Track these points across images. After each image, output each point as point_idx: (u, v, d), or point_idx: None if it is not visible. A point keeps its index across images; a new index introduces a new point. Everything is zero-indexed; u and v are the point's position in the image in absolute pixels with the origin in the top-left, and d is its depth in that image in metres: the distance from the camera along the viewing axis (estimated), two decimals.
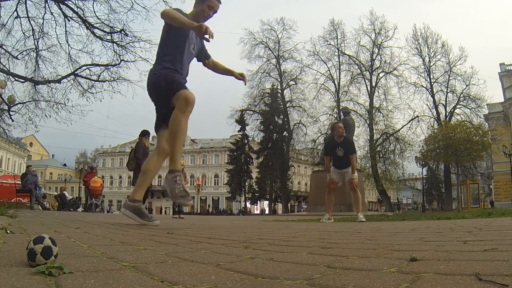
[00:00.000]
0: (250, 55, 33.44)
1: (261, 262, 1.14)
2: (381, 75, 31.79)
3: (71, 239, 1.78)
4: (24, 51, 13.19)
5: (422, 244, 1.66)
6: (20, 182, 12.74)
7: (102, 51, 25.92)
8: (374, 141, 30.73)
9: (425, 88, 31.29)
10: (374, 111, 31.12)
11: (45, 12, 12.68)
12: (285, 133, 35.33)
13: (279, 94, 35.13)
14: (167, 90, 2.91)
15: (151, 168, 3.19)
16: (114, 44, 13.20)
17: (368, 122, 30.93)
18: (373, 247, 1.56)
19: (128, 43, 13.14)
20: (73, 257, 1.15)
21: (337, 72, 32.57)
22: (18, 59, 13.19)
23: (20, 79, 13.15)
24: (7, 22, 12.61)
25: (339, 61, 32.55)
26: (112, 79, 13.50)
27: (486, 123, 30.53)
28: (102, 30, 13.14)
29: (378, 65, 31.70)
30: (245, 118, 36.50)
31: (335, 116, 30.27)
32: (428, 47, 31.48)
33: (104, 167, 56.55)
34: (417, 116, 30.60)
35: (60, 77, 13.54)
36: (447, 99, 31.05)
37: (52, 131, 32.81)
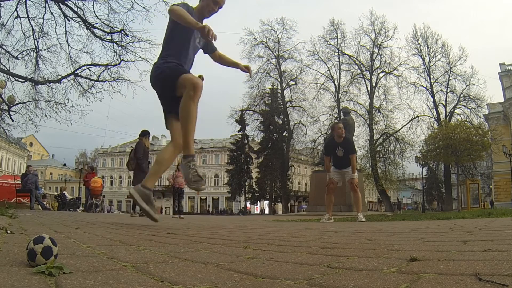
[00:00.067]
0: (250, 55, 33.48)
1: (261, 262, 1.14)
2: (381, 75, 31.84)
3: (71, 239, 1.78)
4: (24, 51, 13.20)
5: (422, 244, 1.66)
6: (20, 182, 12.74)
7: (102, 51, 25.94)
8: (374, 141, 30.74)
9: (425, 88, 31.33)
10: (374, 111, 31.13)
11: (45, 12, 12.70)
12: (285, 133, 35.34)
13: (279, 94, 35.14)
14: (170, 77, 2.91)
15: (166, 159, 3.19)
16: (114, 44, 13.20)
17: (368, 122, 30.94)
18: (373, 247, 1.56)
19: (128, 43, 13.15)
20: (73, 257, 1.15)
21: (337, 72, 32.63)
22: (18, 59, 13.21)
23: (20, 79, 13.15)
24: (7, 22, 12.62)
25: (339, 61, 32.58)
26: (112, 79, 13.50)
27: (486, 123, 30.53)
28: (102, 30, 13.15)
29: (378, 65, 31.73)
30: (245, 118, 36.52)
31: (335, 116, 30.28)
32: (428, 47, 31.53)
33: (104, 167, 56.56)
34: (417, 116, 30.64)
35: (60, 77, 13.54)
36: (447, 99, 31.09)
37: (52, 131, 32.85)
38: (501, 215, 5.66)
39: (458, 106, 30.62)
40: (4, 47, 13.02)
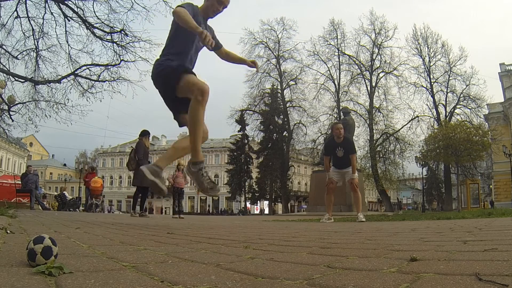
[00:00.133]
0: (250, 55, 33.36)
1: (261, 262, 1.14)
2: (381, 75, 31.82)
3: (71, 239, 1.78)
4: (24, 51, 13.20)
5: (422, 244, 1.66)
6: (20, 182, 12.75)
7: (102, 51, 25.90)
8: (374, 141, 30.73)
9: (425, 88, 31.32)
10: (374, 111, 31.12)
11: (45, 12, 12.70)
12: (285, 133, 35.33)
13: (279, 94, 35.13)
14: (172, 76, 2.90)
15: (184, 147, 3.14)
16: (114, 44, 13.20)
17: (368, 122, 30.93)
18: (373, 247, 1.56)
19: (128, 43, 13.15)
20: (73, 257, 1.15)
21: (337, 72, 32.61)
22: (18, 59, 13.20)
23: (20, 79, 13.15)
24: (7, 22, 12.62)
25: (339, 61, 32.56)
26: (112, 79, 13.50)
27: (486, 123, 30.53)
28: (102, 30, 13.15)
29: (378, 65, 31.71)
30: (245, 118, 36.51)
31: (335, 116, 30.27)
32: (428, 47, 31.51)
33: (104, 167, 56.55)
34: (417, 116, 30.62)
35: (60, 77, 13.53)
36: (447, 99, 31.08)
37: (52, 131, 32.81)
38: (501, 215, 5.66)
39: (458, 106, 30.63)
40: (4, 47, 13.03)
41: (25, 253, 0.94)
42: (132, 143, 41.33)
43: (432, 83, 31.28)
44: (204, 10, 3.14)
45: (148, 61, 12.60)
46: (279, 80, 34.72)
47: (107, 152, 58.07)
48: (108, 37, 13.19)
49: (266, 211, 39.66)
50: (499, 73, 34.25)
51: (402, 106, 30.79)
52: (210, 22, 3.30)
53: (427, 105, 31.21)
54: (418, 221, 4.59)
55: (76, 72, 13.49)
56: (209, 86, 2.87)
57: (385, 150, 30.93)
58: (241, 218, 9.96)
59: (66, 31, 13.07)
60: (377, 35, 31.38)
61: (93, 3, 12.43)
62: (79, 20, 12.76)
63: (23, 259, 0.99)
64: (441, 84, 31.29)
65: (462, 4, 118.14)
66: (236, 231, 2.93)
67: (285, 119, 34.77)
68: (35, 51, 13.28)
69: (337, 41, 32.26)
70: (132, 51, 13.08)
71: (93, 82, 13.62)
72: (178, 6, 2.98)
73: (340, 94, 32.03)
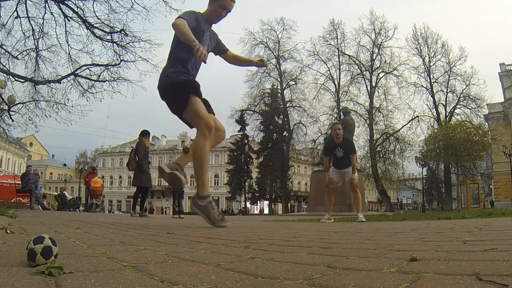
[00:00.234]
0: (250, 55, 33.37)
1: (261, 262, 1.14)
2: (381, 75, 31.86)
3: (71, 239, 1.78)
4: (24, 51, 13.21)
5: (422, 244, 1.66)
6: (20, 182, 12.75)
7: (102, 51, 25.90)
8: (374, 141, 30.75)
9: (425, 88, 31.35)
10: (374, 111, 31.14)
11: (45, 12, 12.70)
12: (285, 133, 35.35)
13: (279, 94, 35.15)
14: (179, 95, 2.91)
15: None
16: (114, 44, 13.21)
17: (368, 122, 30.95)
18: (373, 247, 1.56)
19: (128, 43, 13.16)
20: (73, 257, 1.15)
21: (337, 72, 32.65)
22: (18, 59, 13.21)
23: (20, 79, 13.15)
24: (7, 22, 12.63)
25: (339, 61, 32.59)
26: (112, 79, 13.51)
27: (486, 123, 30.54)
28: (102, 30, 13.15)
29: (378, 65, 31.75)
30: (245, 118, 36.52)
31: (335, 116, 30.29)
32: (428, 47, 31.55)
33: (104, 167, 56.54)
34: (417, 116, 30.66)
35: (60, 77, 13.54)
36: (447, 99, 31.12)
37: (52, 131, 32.79)
38: (501, 215, 5.66)
39: (458, 106, 30.65)
40: (4, 47, 13.03)
41: (25, 253, 0.94)
42: (132, 143, 41.35)
43: (432, 83, 31.31)
44: (207, 15, 3.11)
45: (148, 61, 12.65)
46: (279, 80, 34.75)
47: (107, 152, 58.05)
48: (108, 37, 13.20)
49: (266, 211, 39.66)
50: (499, 73, 34.26)
51: (402, 106, 30.89)
52: (213, 27, 3.28)
53: (427, 105, 31.30)
54: (418, 221, 4.59)
55: (76, 72, 13.49)
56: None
57: (385, 150, 30.95)
58: (241, 218, 9.96)
59: (66, 31, 13.10)
60: (377, 35, 31.44)
61: (93, 3, 12.45)
62: (79, 20, 12.76)
63: (23, 259, 0.99)
64: (441, 84, 31.35)
65: (462, 4, 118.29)
66: (236, 231, 2.93)
67: (285, 119, 34.78)
68: (35, 51, 13.29)
69: (337, 41, 32.33)
70: (132, 51, 13.11)
71: (93, 82, 13.64)
72: (178, 17, 2.95)
73: (340, 94, 32.06)
